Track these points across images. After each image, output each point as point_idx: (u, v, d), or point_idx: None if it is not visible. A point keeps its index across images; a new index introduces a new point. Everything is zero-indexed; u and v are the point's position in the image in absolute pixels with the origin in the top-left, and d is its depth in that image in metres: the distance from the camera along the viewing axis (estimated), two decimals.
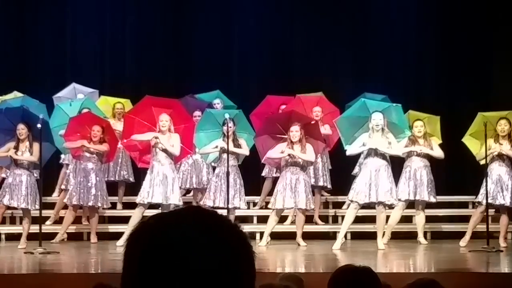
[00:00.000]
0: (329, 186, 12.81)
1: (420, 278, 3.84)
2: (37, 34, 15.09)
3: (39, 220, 10.84)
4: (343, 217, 12.84)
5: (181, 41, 15.21)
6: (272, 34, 15.15)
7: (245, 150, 11.72)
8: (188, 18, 15.23)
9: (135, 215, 11.20)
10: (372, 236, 11.59)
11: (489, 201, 11.11)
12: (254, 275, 1.48)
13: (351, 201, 11.14)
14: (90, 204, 11.73)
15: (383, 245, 11.05)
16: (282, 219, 11.96)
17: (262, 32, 15.12)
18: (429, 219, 12.21)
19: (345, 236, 12.20)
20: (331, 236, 12.56)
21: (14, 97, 13.07)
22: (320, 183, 12.65)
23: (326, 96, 13.37)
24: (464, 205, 13.43)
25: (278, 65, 15.03)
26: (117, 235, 12.18)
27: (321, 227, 12.72)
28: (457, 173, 13.70)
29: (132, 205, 13.14)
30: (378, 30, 15.00)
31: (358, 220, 11.60)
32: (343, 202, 13.01)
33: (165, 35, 15.33)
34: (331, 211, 13.21)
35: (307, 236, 11.72)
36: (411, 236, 11.95)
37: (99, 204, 11.82)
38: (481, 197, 11.25)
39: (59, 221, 12.42)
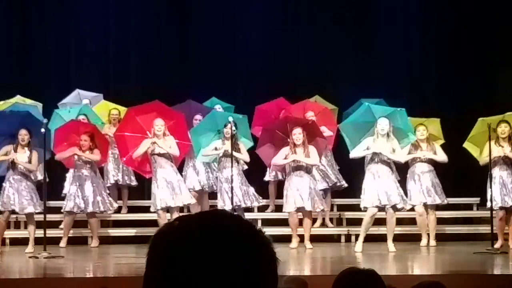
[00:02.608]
0: (344, 183, 12.69)
1: (425, 280, 3.84)
2: (40, 37, 15.08)
3: (44, 225, 10.81)
4: (347, 219, 12.87)
5: (185, 44, 15.20)
6: (275, 37, 15.14)
7: (245, 156, 11.72)
8: (191, 21, 15.23)
9: (161, 221, 11.24)
10: (376, 239, 11.58)
11: (497, 204, 11.20)
12: (277, 279, 1.50)
13: (365, 208, 11.08)
14: (89, 210, 11.56)
15: (394, 247, 11.01)
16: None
17: (266, 34, 15.11)
18: None
19: (349, 239, 12.21)
20: (336, 238, 12.55)
21: (4, 104, 12.86)
22: (331, 184, 12.59)
23: (328, 99, 13.42)
24: (469, 207, 13.44)
25: (281, 68, 15.00)
26: (121, 239, 12.19)
27: (325, 230, 12.68)
28: (462, 175, 13.66)
29: (136, 209, 13.14)
30: (381, 33, 14.98)
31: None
32: (348, 205, 12.98)
33: (169, 38, 15.32)
34: (334, 214, 13.14)
35: (311, 238, 11.70)
36: (415, 238, 11.93)
37: (100, 210, 11.70)
38: (489, 202, 11.30)
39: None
